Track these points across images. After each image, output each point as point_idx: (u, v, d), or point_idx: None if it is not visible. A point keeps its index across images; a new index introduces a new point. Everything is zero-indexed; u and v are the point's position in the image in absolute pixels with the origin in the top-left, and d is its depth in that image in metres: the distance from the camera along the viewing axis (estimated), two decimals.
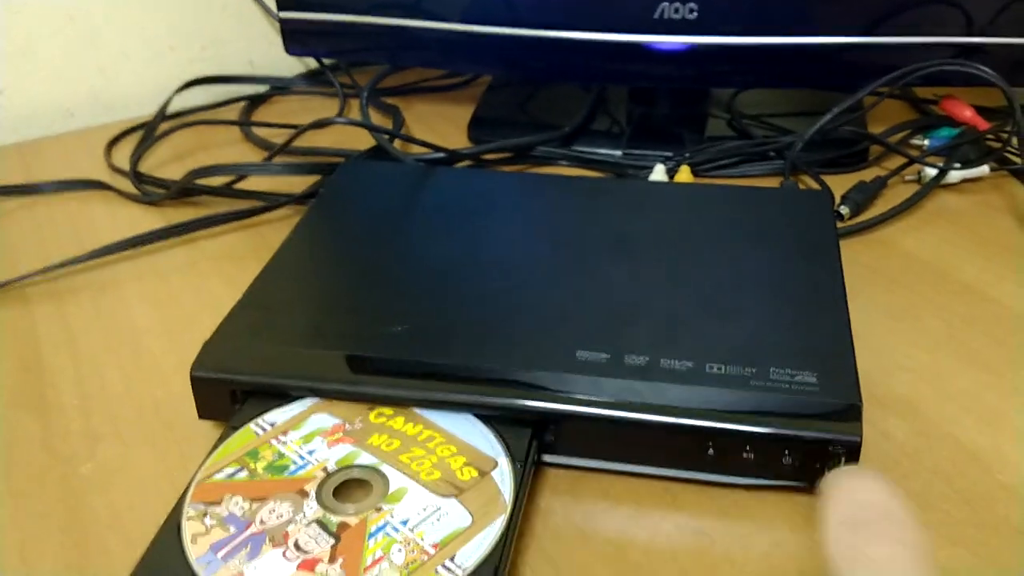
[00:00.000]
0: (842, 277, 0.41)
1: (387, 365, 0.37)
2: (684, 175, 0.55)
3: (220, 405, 0.38)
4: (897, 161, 0.59)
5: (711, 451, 0.35)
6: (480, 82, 0.75)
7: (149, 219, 0.56)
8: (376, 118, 0.69)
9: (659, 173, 0.56)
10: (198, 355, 0.38)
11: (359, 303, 0.41)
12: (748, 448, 0.34)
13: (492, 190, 0.50)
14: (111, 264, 0.52)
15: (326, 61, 0.74)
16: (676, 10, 0.59)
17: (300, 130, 0.56)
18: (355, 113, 0.70)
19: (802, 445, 0.34)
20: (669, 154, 0.58)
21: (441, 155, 0.58)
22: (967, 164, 0.56)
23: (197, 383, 0.38)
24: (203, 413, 0.39)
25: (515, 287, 0.41)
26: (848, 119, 0.56)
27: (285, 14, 0.64)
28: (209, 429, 0.39)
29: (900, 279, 0.48)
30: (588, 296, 0.41)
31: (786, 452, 0.34)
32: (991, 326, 0.44)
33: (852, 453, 0.34)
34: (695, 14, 0.58)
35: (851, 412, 0.34)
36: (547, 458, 0.37)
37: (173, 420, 0.40)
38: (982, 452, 0.37)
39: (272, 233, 0.54)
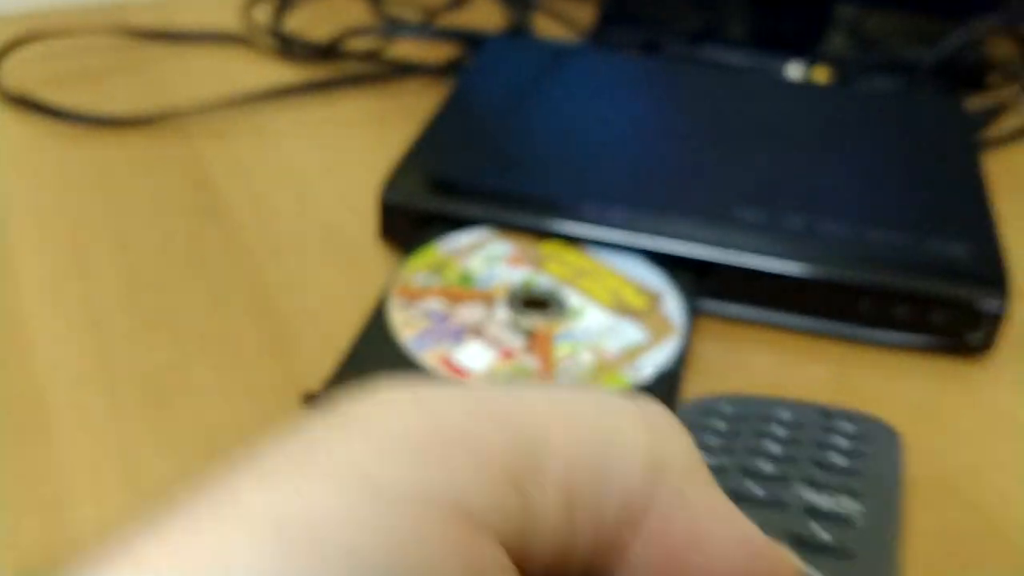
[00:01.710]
0: (982, 172, 0.44)
1: (567, 206, 0.40)
2: (820, 75, 0.57)
3: (403, 229, 0.41)
4: (1013, 91, 0.61)
5: (863, 306, 0.38)
6: None
7: (293, 76, 0.59)
8: (503, 11, 0.71)
9: (794, 72, 0.58)
10: (387, 184, 0.41)
11: (537, 154, 0.43)
12: (899, 305, 0.37)
13: (641, 74, 0.52)
14: (265, 111, 0.54)
15: None
16: None
17: (456, 1, 0.58)
18: (482, 4, 0.72)
19: (952, 305, 0.37)
20: (792, 60, 0.61)
21: (575, 43, 0.60)
22: None
23: (386, 209, 0.41)
24: (386, 235, 0.42)
25: (674, 156, 0.44)
26: (968, 47, 0.58)
27: None
28: (386, 253, 0.42)
29: (1015, 186, 0.50)
30: (745, 168, 0.43)
31: (935, 310, 0.37)
32: None
33: (996, 316, 0.36)
34: None
35: (999, 281, 0.37)
36: (705, 304, 0.40)
37: (349, 244, 0.43)
38: None
39: (414, 100, 0.57)
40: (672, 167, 0.43)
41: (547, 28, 0.67)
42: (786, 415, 0.23)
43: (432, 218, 0.40)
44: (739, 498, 0.20)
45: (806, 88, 0.52)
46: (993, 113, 0.56)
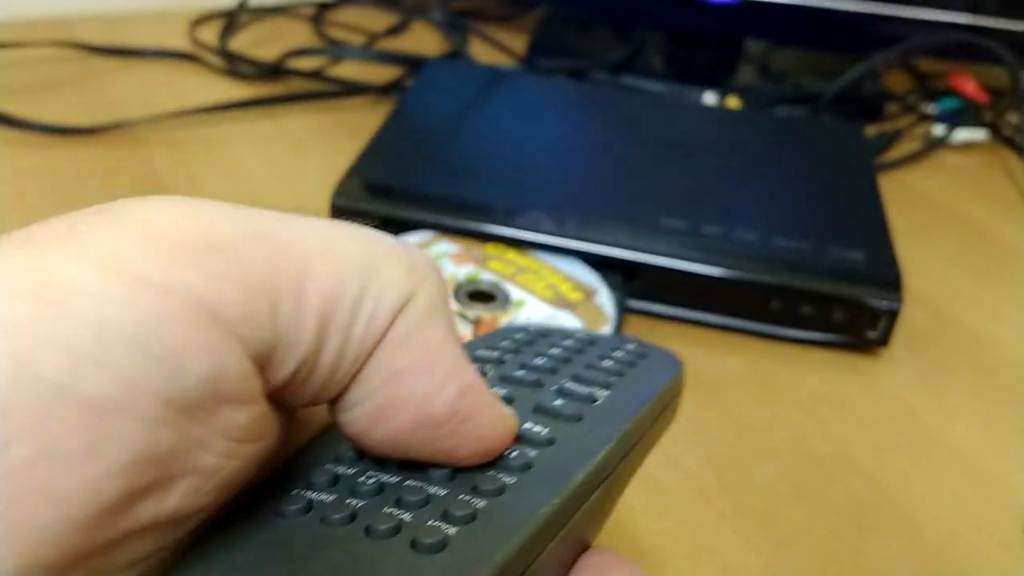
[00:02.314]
0: (878, 188, 0.48)
1: (504, 211, 0.43)
2: (733, 103, 0.62)
3: None
4: (907, 121, 0.67)
5: (774, 305, 0.42)
6: (532, 16, 0.81)
7: (240, 93, 0.61)
8: (441, 38, 0.74)
9: (710, 99, 0.63)
10: (337, 188, 0.44)
11: (477, 164, 0.47)
12: (806, 304, 0.41)
13: (572, 96, 0.56)
14: (215, 124, 0.57)
15: None
16: None
17: (396, 26, 0.62)
18: (420, 30, 0.75)
19: (853, 304, 0.41)
20: (706, 90, 0.65)
21: (510, 67, 0.64)
22: (969, 127, 0.64)
23: (337, 211, 0.43)
24: None
25: (602, 170, 0.48)
26: (867, 79, 0.64)
27: None
28: None
29: (914, 209, 0.55)
30: (667, 182, 0.47)
31: (838, 309, 0.41)
32: (992, 251, 0.52)
33: (892, 315, 0.41)
34: None
35: (894, 283, 0.41)
36: (632, 303, 0.43)
37: None
38: (986, 337, 0.44)
39: (357, 117, 0.59)
40: (601, 180, 0.47)
41: (482, 54, 0.71)
42: (582, 336, 0.24)
43: (379, 222, 0.43)
44: (504, 379, 0.21)
45: (721, 112, 0.56)
46: (890, 139, 0.62)
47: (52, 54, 0.62)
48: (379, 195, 0.44)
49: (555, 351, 0.23)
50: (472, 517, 0.16)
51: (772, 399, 0.39)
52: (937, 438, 0.38)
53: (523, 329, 0.25)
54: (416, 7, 0.78)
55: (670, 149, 0.50)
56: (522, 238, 0.42)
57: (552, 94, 0.56)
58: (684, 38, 0.73)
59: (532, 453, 0.18)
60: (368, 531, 0.16)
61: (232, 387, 0.15)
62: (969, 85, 0.68)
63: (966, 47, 0.63)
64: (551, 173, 0.47)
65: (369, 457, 0.19)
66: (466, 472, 0.18)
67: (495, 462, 0.18)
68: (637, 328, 0.43)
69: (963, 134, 0.64)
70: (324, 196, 0.44)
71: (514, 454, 0.18)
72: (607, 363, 0.23)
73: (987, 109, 0.67)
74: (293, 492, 0.18)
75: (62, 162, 0.51)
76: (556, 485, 0.18)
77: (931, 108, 0.67)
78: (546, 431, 0.19)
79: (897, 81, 0.73)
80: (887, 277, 0.42)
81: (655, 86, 0.67)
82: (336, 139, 0.56)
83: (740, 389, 0.40)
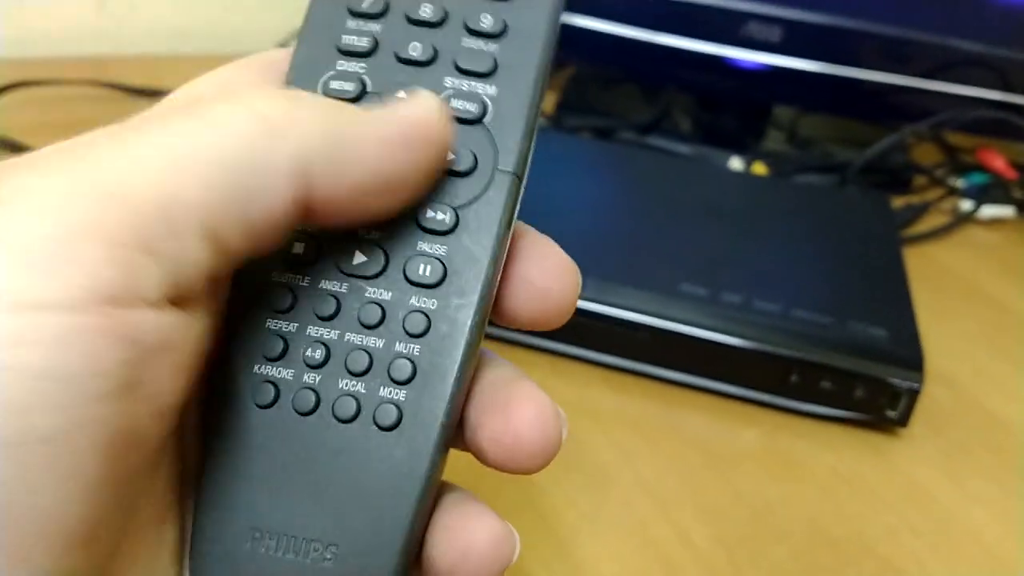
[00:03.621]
0: (903, 263, 0.48)
1: None
2: (759, 169, 0.62)
3: None
4: (935, 194, 0.66)
5: (793, 378, 0.41)
6: (562, 74, 0.82)
7: None
8: None
9: (736, 164, 0.63)
10: None
11: None
12: (826, 379, 0.41)
13: (597, 156, 0.56)
14: None
15: None
16: (761, 30, 0.66)
17: None
18: None
19: (873, 383, 0.40)
20: (732, 154, 0.65)
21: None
22: (997, 204, 0.63)
23: None
24: None
25: (625, 233, 0.48)
26: (895, 151, 0.64)
27: None
28: None
29: (939, 284, 0.55)
30: (690, 248, 0.47)
31: (858, 387, 0.41)
32: (1016, 330, 0.51)
33: (913, 395, 0.40)
34: (778, 36, 0.65)
35: (915, 363, 0.41)
36: (650, 369, 0.43)
37: None
38: (1008, 419, 0.44)
39: None
40: (622, 242, 0.46)
41: None
42: None
43: None
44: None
45: (747, 178, 0.56)
46: (917, 212, 0.61)
47: (88, 93, 0.63)
48: None
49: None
50: (413, 375, 0.19)
51: (788, 476, 0.39)
52: (955, 523, 0.37)
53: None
54: None
55: (694, 213, 0.50)
56: None
57: (577, 153, 0.56)
58: (712, 101, 0.73)
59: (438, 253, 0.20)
60: (336, 417, 0.19)
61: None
62: (998, 161, 0.68)
63: (996, 123, 0.63)
64: (571, 232, 0.47)
65: (299, 297, 0.20)
66: (394, 303, 0.20)
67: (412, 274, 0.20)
68: (650, 393, 0.42)
69: (990, 210, 0.64)
70: None
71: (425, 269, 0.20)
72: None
73: (1015, 186, 0.66)
74: (255, 371, 0.20)
75: None
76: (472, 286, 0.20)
77: (959, 182, 0.67)
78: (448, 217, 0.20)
79: (925, 153, 0.72)
80: (909, 356, 0.41)
81: (682, 148, 0.68)
82: None
83: (755, 464, 0.39)
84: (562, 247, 0.45)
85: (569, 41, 0.68)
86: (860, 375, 0.40)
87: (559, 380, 0.43)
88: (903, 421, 0.41)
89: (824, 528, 0.36)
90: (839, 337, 0.41)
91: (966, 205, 0.64)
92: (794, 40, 0.65)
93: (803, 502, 0.37)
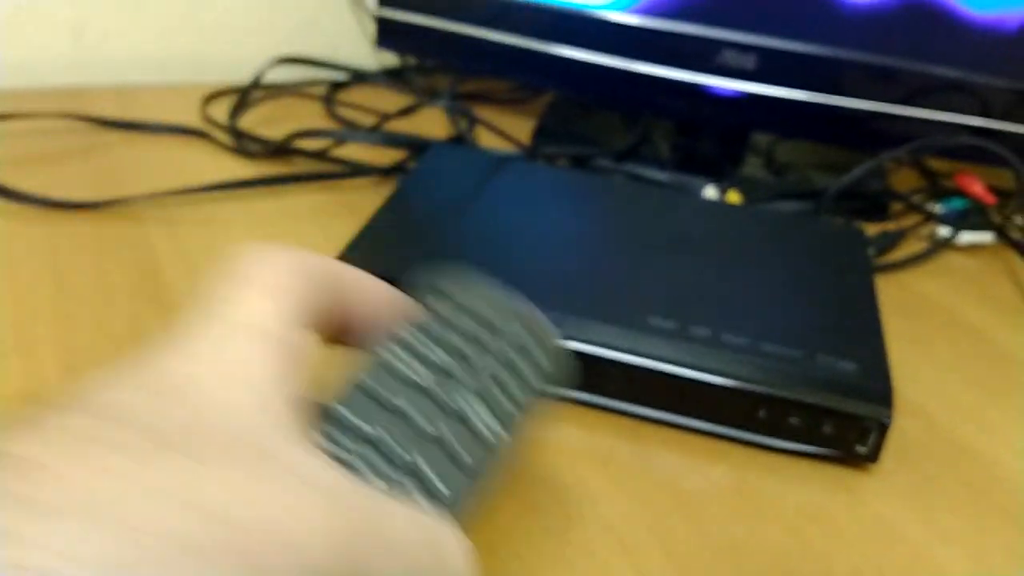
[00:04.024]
0: (875, 294, 0.48)
1: None
2: (734, 197, 0.62)
3: None
4: (912, 220, 0.66)
5: (762, 414, 0.41)
6: (541, 100, 0.82)
7: (246, 171, 0.61)
8: (448, 120, 0.75)
9: (710, 192, 0.62)
10: (342, 253, 0.44)
11: (470, 255, 0.47)
12: (794, 415, 0.40)
13: (570, 186, 0.56)
14: (216, 202, 0.57)
15: (408, 60, 0.80)
16: (736, 58, 0.66)
17: (406, 109, 0.62)
18: (429, 113, 0.76)
19: (842, 418, 0.40)
20: (710, 181, 0.65)
21: (511, 153, 0.64)
22: (975, 230, 0.63)
23: None
24: None
25: (595, 264, 0.48)
26: (873, 177, 0.64)
27: (384, 11, 0.70)
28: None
29: (914, 313, 0.54)
30: (660, 279, 0.47)
31: (827, 422, 0.40)
32: (991, 359, 0.51)
33: (882, 430, 0.40)
34: (753, 64, 0.65)
35: (885, 398, 0.40)
36: (616, 404, 0.42)
37: None
38: (980, 452, 0.43)
39: (359, 198, 0.60)
40: (592, 274, 0.46)
41: (487, 139, 0.71)
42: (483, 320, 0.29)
43: None
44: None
45: (721, 207, 0.56)
46: (894, 239, 0.61)
47: (61, 125, 0.63)
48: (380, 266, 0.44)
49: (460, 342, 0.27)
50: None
51: (756, 514, 0.38)
52: (922, 562, 0.37)
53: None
54: (426, 89, 0.79)
55: (666, 244, 0.50)
56: None
57: (550, 183, 0.56)
58: (690, 127, 0.73)
59: None
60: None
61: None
62: (976, 186, 0.68)
63: (975, 149, 0.63)
64: (541, 265, 0.47)
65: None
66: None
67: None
68: (618, 428, 0.42)
69: (969, 236, 0.63)
70: None
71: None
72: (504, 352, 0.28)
73: (994, 211, 0.66)
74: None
75: (57, 237, 0.51)
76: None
77: (937, 208, 0.67)
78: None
79: (904, 179, 0.72)
80: (878, 391, 0.41)
81: (658, 175, 0.68)
82: (335, 220, 0.57)
83: (720, 503, 0.39)
84: (529, 280, 0.45)
85: (546, 69, 0.69)
86: (829, 410, 0.40)
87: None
88: (873, 457, 0.40)
89: (791, 569, 0.36)
90: (808, 372, 0.41)
91: (944, 231, 0.63)
92: (769, 67, 0.65)
93: (769, 541, 0.37)
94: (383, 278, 0.47)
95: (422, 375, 0.26)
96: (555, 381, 0.29)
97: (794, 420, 0.40)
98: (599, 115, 0.77)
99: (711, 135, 0.73)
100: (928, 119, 0.64)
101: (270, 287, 0.24)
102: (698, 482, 0.40)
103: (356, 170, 0.61)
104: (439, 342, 0.27)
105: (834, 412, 0.40)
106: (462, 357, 0.27)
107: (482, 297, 0.30)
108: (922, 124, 0.64)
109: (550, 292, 0.44)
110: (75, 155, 0.60)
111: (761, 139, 0.74)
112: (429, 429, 0.24)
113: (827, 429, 0.40)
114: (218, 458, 0.19)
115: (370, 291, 0.29)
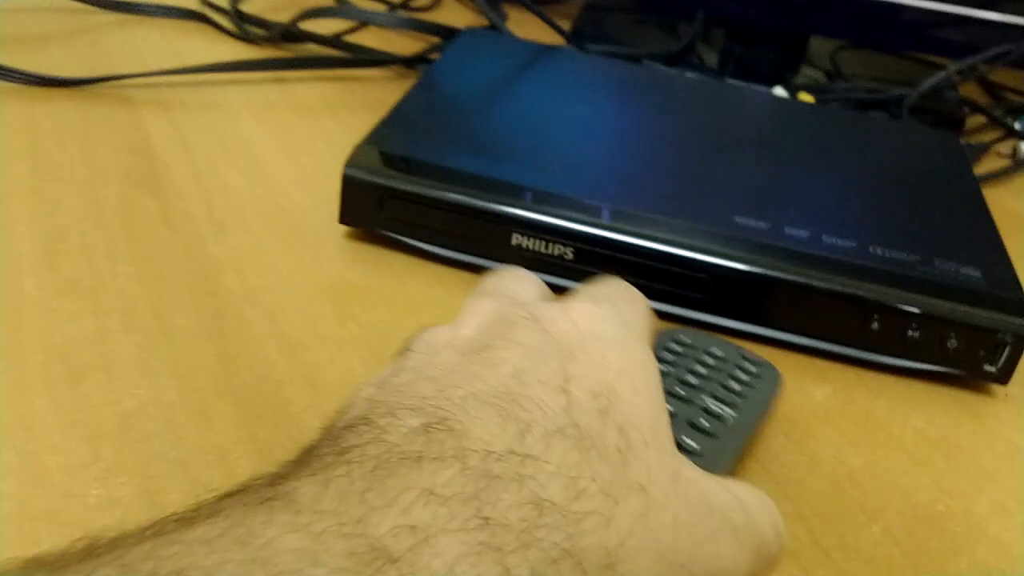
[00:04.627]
0: (984, 200, 0.41)
1: (538, 196, 0.36)
2: (806, 97, 0.55)
3: (364, 210, 0.37)
4: (990, 135, 0.60)
5: (875, 325, 0.34)
6: (573, 3, 0.74)
7: (248, 55, 0.54)
8: (476, 15, 0.67)
9: (780, 93, 0.56)
10: (350, 158, 0.37)
11: (507, 143, 0.40)
12: (913, 327, 0.34)
13: (627, 79, 0.49)
14: (215, 85, 0.50)
15: None
16: None
17: None
18: (452, 5, 0.68)
19: (971, 330, 0.34)
20: (777, 86, 0.58)
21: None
22: None
23: (348, 183, 0.36)
24: (345, 217, 0.37)
25: (656, 159, 0.41)
26: (946, 88, 0.57)
27: None
28: (342, 238, 0.38)
29: (1004, 225, 0.48)
30: (739, 178, 0.40)
31: (952, 335, 0.34)
32: None
33: (1018, 345, 0.34)
34: None
35: (1021, 308, 0.34)
36: (706, 318, 0.36)
37: (303, 225, 0.39)
38: None
39: (377, 90, 0.53)
40: (661, 171, 0.39)
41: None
42: (716, 351, 0.31)
43: (394, 196, 0.36)
44: (669, 394, 0.28)
45: (796, 105, 0.49)
46: (977, 152, 0.55)
47: (48, 3, 0.56)
48: (396, 167, 0.37)
49: (698, 367, 0.30)
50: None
51: (870, 440, 0.32)
52: None
53: (671, 338, 0.32)
54: None
55: (739, 141, 0.43)
56: (553, 225, 0.35)
57: (604, 75, 0.49)
58: (741, 33, 0.66)
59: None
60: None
61: None
62: None
63: None
64: (598, 160, 0.40)
65: None
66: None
67: None
68: None
69: None
70: (333, 169, 0.37)
71: None
72: (733, 383, 0.30)
73: None
74: None
75: (37, 115, 0.44)
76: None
77: (1016, 124, 0.60)
78: (695, 445, 0.26)
79: (968, 94, 0.66)
80: (1012, 301, 0.34)
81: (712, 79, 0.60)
82: (351, 112, 0.49)
83: (830, 426, 0.32)
84: (601, 176, 0.38)
85: None
86: (954, 322, 0.34)
87: None
88: (1004, 378, 0.34)
89: (923, 504, 0.30)
90: (927, 278, 0.35)
91: None
92: None
93: (893, 472, 0.31)
94: (412, 166, 0.40)
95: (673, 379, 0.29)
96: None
97: (912, 333, 0.34)
98: (637, 20, 0.70)
99: (765, 39, 0.66)
100: (1001, 22, 0.58)
101: None
102: (800, 403, 0.33)
103: (374, 59, 0.54)
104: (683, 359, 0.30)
105: (961, 323, 0.34)
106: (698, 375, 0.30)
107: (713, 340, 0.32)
108: (992, 29, 0.58)
109: (610, 187, 0.38)
110: (68, 36, 0.53)
111: (820, 47, 0.67)
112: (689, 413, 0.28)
113: (951, 344, 0.34)
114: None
115: None
